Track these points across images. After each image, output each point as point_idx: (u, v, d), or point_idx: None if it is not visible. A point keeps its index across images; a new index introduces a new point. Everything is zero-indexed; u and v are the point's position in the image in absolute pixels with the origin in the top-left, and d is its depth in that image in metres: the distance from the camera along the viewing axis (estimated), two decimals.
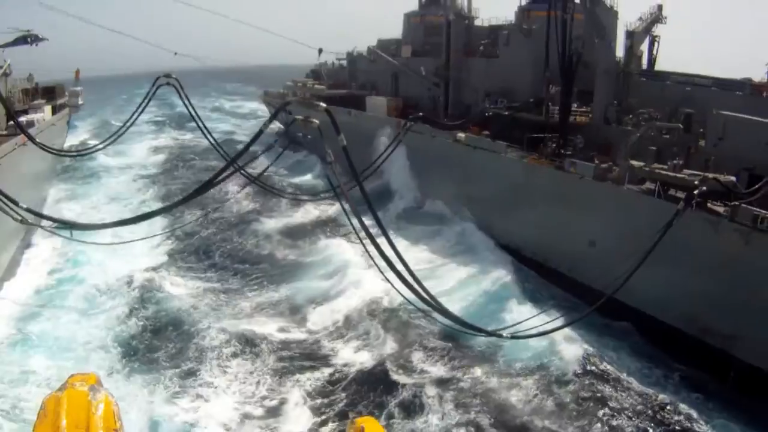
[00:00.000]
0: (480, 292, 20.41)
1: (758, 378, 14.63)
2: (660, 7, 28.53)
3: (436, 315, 11.91)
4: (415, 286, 10.29)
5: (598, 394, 14.83)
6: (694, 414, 14.00)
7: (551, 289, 21.28)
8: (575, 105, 25.31)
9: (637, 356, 16.76)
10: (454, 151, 27.50)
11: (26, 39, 39.91)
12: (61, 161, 38.96)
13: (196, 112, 19.78)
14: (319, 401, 14.46)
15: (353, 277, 20.80)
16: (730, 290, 15.38)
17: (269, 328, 18.20)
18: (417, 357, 16.61)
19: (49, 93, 41.34)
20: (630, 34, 27.37)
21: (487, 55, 31.19)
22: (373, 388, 14.82)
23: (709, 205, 16.74)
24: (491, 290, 20.48)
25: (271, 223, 29.49)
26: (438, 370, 16.00)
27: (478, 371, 15.79)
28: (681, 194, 16.38)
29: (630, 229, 17.04)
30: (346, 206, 10.99)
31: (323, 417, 13.85)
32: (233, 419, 13.50)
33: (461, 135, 27.30)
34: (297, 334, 17.97)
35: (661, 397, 14.72)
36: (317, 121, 10.56)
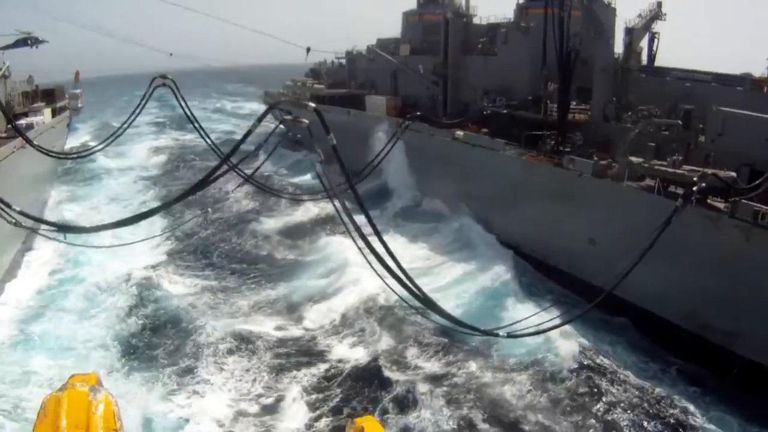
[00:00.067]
0: (479, 288, 20.42)
1: (760, 374, 14.53)
2: (659, 4, 28.39)
3: (431, 314, 11.84)
4: (410, 285, 10.16)
5: (594, 388, 14.85)
6: (691, 407, 14.04)
7: (550, 286, 21.24)
8: (574, 102, 25.20)
9: (633, 351, 16.79)
10: (453, 150, 27.44)
11: (26, 41, 39.91)
12: (62, 163, 39.11)
13: (191, 113, 19.70)
14: (314, 397, 14.52)
15: (352, 274, 20.75)
16: (730, 287, 15.30)
17: (266, 326, 18.28)
18: (412, 353, 16.69)
19: (49, 95, 41.37)
20: (629, 31, 27.25)
21: (485, 53, 31.10)
22: (368, 384, 14.88)
23: (709, 201, 16.62)
24: (490, 287, 20.47)
25: (270, 223, 29.57)
26: (432, 366, 16.04)
27: (473, 366, 15.82)
28: (681, 191, 16.25)
29: (629, 226, 16.90)
30: (341, 206, 10.83)
31: (319, 413, 13.90)
32: (227, 416, 13.59)
33: (459, 133, 27.23)
34: (294, 332, 18.03)
35: (658, 390, 14.74)
36: (306, 121, 10.46)
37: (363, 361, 16.08)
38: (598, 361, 15.98)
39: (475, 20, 34.85)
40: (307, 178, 40.52)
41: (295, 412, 13.87)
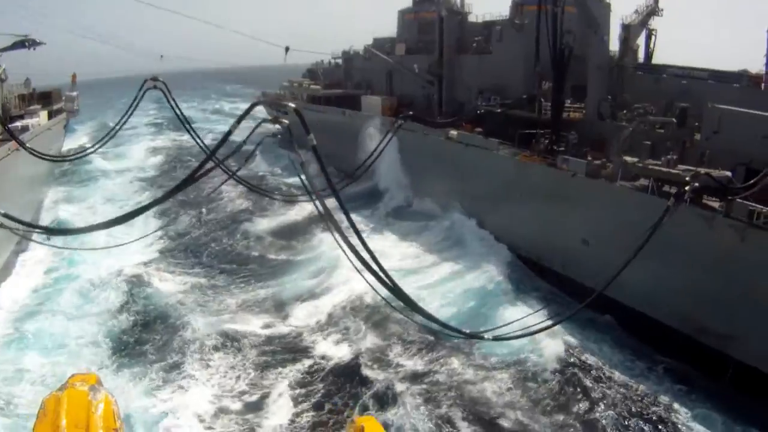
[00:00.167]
0: (469, 287, 20.38)
1: (755, 378, 14.25)
2: (656, 0, 28.05)
3: (417, 316, 11.68)
4: (395, 288, 9.95)
5: (579, 386, 14.77)
6: (675, 404, 13.98)
7: (542, 286, 21.07)
8: (569, 101, 24.88)
9: (620, 349, 16.74)
10: (447, 149, 27.20)
11: (24, 43, 39.86)
12: (59, 165, 39.28)
13: (182, 113, 19.79)
14: (297, 393, 14.62)
15: (342, 274, 20.65)
16: (725, 287, 15.02)
17: (253, 324, 18.42)
18: (396, 351, 16.74)
19: (46, 98, 41.39)
20: (625, 28, 26.90)
21: (480, 52, 30.78)
22: (350, 381, 14.96)
23: (704, 200, 16.31)
24: (480, 286, 20.40)
25: (263, 222, 29.63)
26: (415, 364, 16.07)
27: (455, 363, 15.80)
28: (675, 190, 15.94)
29: (623, 227, 16.59)
30: (322, 208, 10.62)
31: (300, 409, 13.97)
32: (209, 412, 13.72)
33: (453, 133, 26.97)
34: (280, 330, 18.13)
35: (642, 387, 14.68)
36: (287, 121, 10.22)
37: (346, 358, 16.14)
38: (583, 358, 15.92)
39: (471, 18, 34.55)
40: (302, 178, 40.32)
41: (278, 407, 13.93)
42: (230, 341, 16.96)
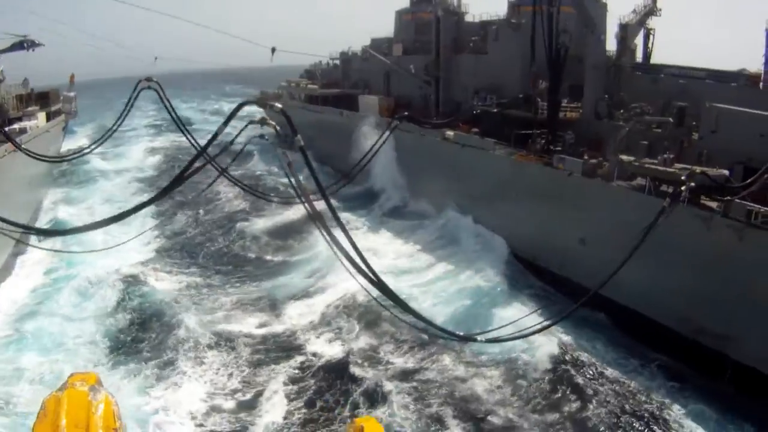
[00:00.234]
0: (464, 287, 20.32)
1: (754, 377, 14.11)
2: (654, 0, 27.88)
3: (411, 319, 11.57)
4: (388, 291, 9.82)
5: (572, 383, 14.75)
6: (668, 401, 13.96)
7: (537, 285, 20.99)
8: (566, 100, 24.72)
9: (613, 346, 16.72)
10: (443, 150, 27.06)
11: (23, 44, 39.83)
12: (57, 166, 39.39)
13: (176, 113, 19.85)
14: (288, 390, 14.69)
15: (337, 273, 20.61)
16: (723, 288, 14.86)
17: (247, 322, 18.52)
18: (388, 349, 16.76)
19: (44, 99, 41.32)
20: (623, 27, 26.76)
21: (477, 51, 30.64)
22: (342, 379, 15.06)
23: (702, 200, 16.13)
24: (475, 286, 20.35)
25: (260, 222, 29.64)
26: (407, 362, 16.09)
27: (447, 361, 15.81)
28: (672, 189, 15.76)
29: (620, 226, 16.45)
30: (312, 210, 10.50)
31: (292, 406, 14.06)
32: (200, 410, 13.82)
33: (450, 133, 26.82)
34: (274, 329, 18.21)
35: (634, 384, 14.67)
36: (273, 122, 10.10)
37: (339, 357, 16.20)
38: (576, 356, 15.89)
39: (468, 18, 34.41)
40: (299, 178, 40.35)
41: (271, 405, 13.99)
42: (224, 340, 17.08)
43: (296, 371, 15.59)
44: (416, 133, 28.24)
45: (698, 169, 15.32)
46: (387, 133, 21.03)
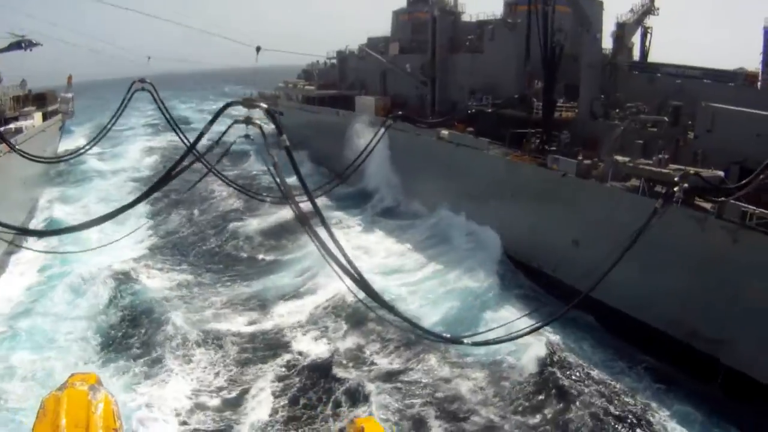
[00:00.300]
0: (453, 288, 20.27)
1: (745, 383, 13.89)
2: None
3: (400, 322, 11.44)
4: (374, 294, 9.67)
5: (557, 384, 14.66)
6: (654, 403, 13.90)
7: (526, 285, 20.92)
8: (562, 100, 24.51)
9: (601, 348, 16.66)
10: (438, 149, 26.87)
11: (20, 44, 39.76)
12: (54, 166, 39.43)
13: (169, 113, 20.01)
14: (274, 389, 14.78)
15: (327, 273, 20.52)
16: (716, 290, 14.65)
17: (236, 321, 18.60)
18: (374, 348, 16.80)
19: (40, 99, 41.33)
20: (620, 26, 26.51)
21: (473, 51, 30.43)
22: (325, 377, 15.15)
23: (697, 202, 15.90)
24: (465, 286, 20.26)
25: (254, 221, 29.56)
26: (392, 361, 16.11)
27: (432, 361, 15.79)
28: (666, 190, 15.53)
29: (614, 228, 16.20)
30: (297, 211, 10.34)
31: (277, 405, 14.13)
32: (184, 407, 13.90)
33: (444, 132, 26.61)
34: (262, 328, 18.31)
35: (620, 385, 14.61)
36: (259, 122, 9.92)
37: (325, 356, 16.27)
38: (563, 356, 15.82)
39: (465, 18, 34.19)
40: (293, 179, 40.30)
41: (257, 402, 14.12)
42: (212, 338, 17.17)
43: (282, 369, 15.66)
44: (411, 132, 28.03)
45: (691, 170, 15.08)
46: (381, 132, 20.84)
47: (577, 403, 13.81)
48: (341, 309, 18.93)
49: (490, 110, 26.46)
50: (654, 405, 13.77)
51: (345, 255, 10.53)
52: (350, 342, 17.14)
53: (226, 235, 27.75)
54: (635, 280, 15.34)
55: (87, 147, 24.67)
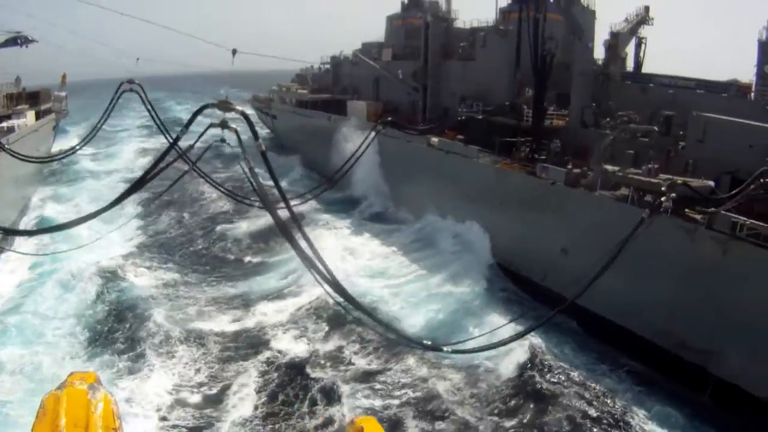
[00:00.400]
0: (437, 292, 20.24)
1: (735, 394, 13.64)
2: (647, 8, 27.58)
3: (375, 326, 11.18)
4: (352, 300, 9.40)
5: (537, 386, 14.60)
6: (633, 405, 13.86)
7: (510, 288, 20.85)
8: (553, 108, 24.30)
9: (584, 352, 16.59)
10: (428, 156, 26.60)
11: (16, 40, 39.37)
12: (47, 166, 39.22)
13: (157, 115, 19.87)
14: (255, 384, 14.98)
15: (311, 276, 20.44)
16: (706, 301, 14.40)
17: (220, 320, 18.82)
18: (353, 349, 16.91)
19: (34, 98, 40.98)
20: (614, 35, 26.39)
21: (465, 58, 30.25)
22: (301, 375, 15.31)
23: (687, 212, 15.63)
24: (449, 291, 20.19)
25: (242, 223, 29.47)
26: (371, 362, 16.16)
27: (410, 361, 15.81)
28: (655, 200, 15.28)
29: (602, 237, 15.94)
30: (277, 218, 10.10)
31: (256, 400, 14.32)
32: (165, 402, 14.06)
33: (434, 140, 26.33)
34: (245, 326, 18.51)
35: (600, 387, 14.57)
36: (235, 126, 9.58)
37: (303, 356, 16.39)
38: (544, 360, 15.76)
39: (459, 24, 34.08)
40: (283, 183, 40.24)
41: (236, 398, 14.33)
42: (195, 336, 17.36)
43: (262, 367, 15.84)
44: (401, 139, 27.75)
45: (680, 179, 14.83)
46: (371, 137, 20.56)
47: (556, 405, 13.75)
48: (323, 310, 18.99)
49: (480, 117, 26.23)
50: (634, 407, 13.83)
51: (321, 260, 10.25)
52: (330, 343, 17.24)
53: (215, 237, 27.74)
54: (624, 288, 15.17)
55: (77, 147, 24.56)
